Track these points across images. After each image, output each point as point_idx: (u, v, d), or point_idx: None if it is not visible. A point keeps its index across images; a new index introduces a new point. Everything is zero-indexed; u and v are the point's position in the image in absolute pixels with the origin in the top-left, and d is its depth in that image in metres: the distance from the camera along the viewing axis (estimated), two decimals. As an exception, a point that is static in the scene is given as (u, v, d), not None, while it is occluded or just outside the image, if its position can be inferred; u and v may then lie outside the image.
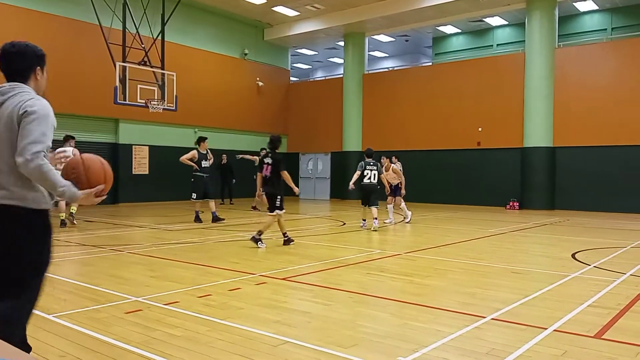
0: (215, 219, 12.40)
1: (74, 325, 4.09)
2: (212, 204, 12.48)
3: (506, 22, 23.28)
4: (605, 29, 21.26)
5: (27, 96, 2.62)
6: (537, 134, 18.45)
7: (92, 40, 16.49)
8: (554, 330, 4.06)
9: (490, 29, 24.26)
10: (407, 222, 12.88)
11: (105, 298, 5.00)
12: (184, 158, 12.31)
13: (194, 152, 12.40)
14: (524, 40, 19.56)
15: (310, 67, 34.09)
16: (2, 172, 2.59)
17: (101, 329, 3.98)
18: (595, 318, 4.43)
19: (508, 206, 18.89)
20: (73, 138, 11.01)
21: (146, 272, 6.34)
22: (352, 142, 23.23)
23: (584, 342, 3.79)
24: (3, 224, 2.59)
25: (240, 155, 17.88)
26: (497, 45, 24.00)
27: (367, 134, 23.09)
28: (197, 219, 12.42)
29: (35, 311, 4.49)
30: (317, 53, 29.43)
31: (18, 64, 2.70)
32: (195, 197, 12.38)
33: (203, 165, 12.38)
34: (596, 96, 17.77)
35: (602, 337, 3.92)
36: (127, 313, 4.46)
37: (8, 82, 2.69)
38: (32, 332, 3.90)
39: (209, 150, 12.70)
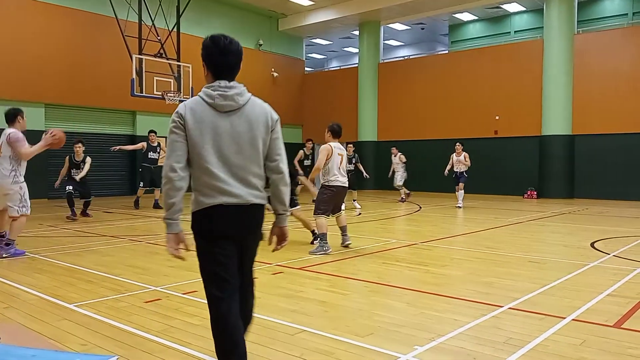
0: (156, 205, 13.43)
1: (94, 314, 4.16)
2: (157, 192, 13.47)
3: (524, 9, 22.89)
4: (626, 14, 20.81)
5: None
6: (556, 122, 18.18)
7: (109, 33, 16.61)
8: (573, 319, 4.03)
9: (508, 15, 23.89)
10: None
11: (124, 288, 5.08)
12: (130, 147, 13.99)
13: (143, 143, 13.50)
14: (542, 27, 19.23)
15: (325, 57, 33.94)
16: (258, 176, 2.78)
17: (121, 318, 4.05)
18: (615, 307, 4.39)
19: (526, 195, 18.70)
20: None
21: (165, 262, 6.42)
22: (368, 132, 23.14)
23: (603, 332, 3.76)
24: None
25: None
26: (515, 32, 23.63)
27: (382, 123, 22.97)
28: (136, 205, 13.47)
29: (56, 300, 4.60)
30: (331, 43, 29.29)
31: (239, 62, 2.67)
32: (142, 185, 13.50)
33: (150, 157, 13.45)
34: (616, 83, 17.43)
35: (622, 326, 3.88)
36: (146, 302, 4.53)
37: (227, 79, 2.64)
38: (54, 321, 3.99)
39: (160, 143, 13.66)
